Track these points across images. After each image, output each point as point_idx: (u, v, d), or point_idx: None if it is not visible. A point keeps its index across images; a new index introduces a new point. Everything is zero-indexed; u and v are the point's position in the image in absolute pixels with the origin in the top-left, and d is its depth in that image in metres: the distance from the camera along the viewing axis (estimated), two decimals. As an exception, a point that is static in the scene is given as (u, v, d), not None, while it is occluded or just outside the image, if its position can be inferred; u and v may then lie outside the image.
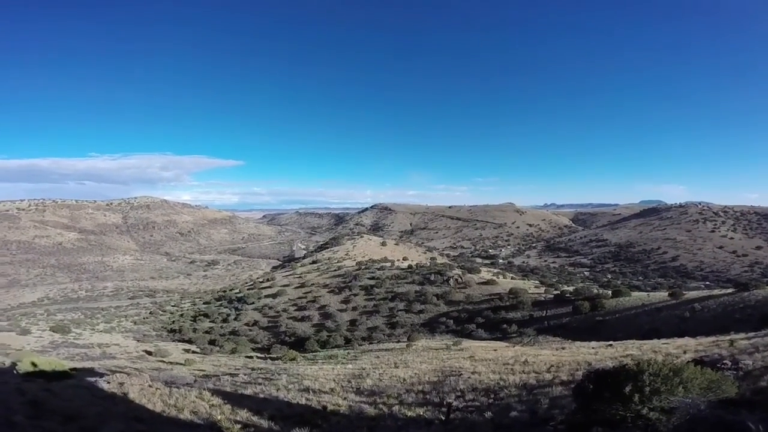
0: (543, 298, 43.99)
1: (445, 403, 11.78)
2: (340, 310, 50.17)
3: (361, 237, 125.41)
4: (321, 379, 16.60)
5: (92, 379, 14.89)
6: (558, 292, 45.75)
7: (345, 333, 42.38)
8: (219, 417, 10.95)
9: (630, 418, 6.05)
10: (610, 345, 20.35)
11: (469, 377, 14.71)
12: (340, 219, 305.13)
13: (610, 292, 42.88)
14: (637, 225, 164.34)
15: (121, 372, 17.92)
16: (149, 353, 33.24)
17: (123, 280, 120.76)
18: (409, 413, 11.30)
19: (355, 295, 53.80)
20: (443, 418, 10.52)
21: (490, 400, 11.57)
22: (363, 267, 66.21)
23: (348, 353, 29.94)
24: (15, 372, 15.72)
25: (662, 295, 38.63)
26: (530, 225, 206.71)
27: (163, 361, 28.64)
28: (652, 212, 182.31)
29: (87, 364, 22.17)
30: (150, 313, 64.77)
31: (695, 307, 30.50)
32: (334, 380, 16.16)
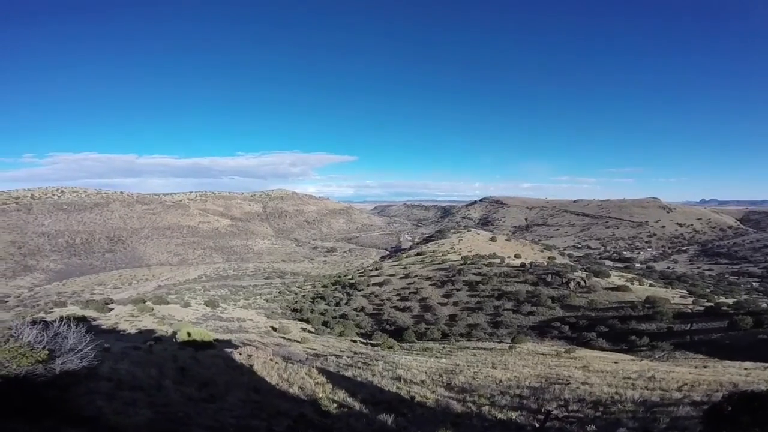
0: (689, 310, 36.85)
1: (543, 410, 10.88)
2: (441, 304, 49.93)
3: (468, 231, 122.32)
4: (413, 370, 16.86)
5: (228, 350, 17.82)
6: (711, 303, 37.85)
7: (443, 327, 42.05)
8: (320, 395, 12.02)
9: None
10: (769, 367, 16.37)
11: (577, 387, 13.33)
12: (446, 212, 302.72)
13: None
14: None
15: (250, 345, 21.04)
16: (274, 329, 38.04)
17: (261, 261, 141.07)
18: (500, 415, 10.74)
19: (458, 290, 52.86)
20: (537, 425, 9.74)
21: (597, 413, 10.34)
22: (468, 262, 64.60)
23: (443, 348, 29.72)
24: (174, 340, 19.79)
25: None
26: (680, 225, 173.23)
27: (284, 338, 32.51)
28: None
29: (227, 336, 26.51)
30: (279, 292, 74.24)
31: None
32: (425, 372, 16.25)
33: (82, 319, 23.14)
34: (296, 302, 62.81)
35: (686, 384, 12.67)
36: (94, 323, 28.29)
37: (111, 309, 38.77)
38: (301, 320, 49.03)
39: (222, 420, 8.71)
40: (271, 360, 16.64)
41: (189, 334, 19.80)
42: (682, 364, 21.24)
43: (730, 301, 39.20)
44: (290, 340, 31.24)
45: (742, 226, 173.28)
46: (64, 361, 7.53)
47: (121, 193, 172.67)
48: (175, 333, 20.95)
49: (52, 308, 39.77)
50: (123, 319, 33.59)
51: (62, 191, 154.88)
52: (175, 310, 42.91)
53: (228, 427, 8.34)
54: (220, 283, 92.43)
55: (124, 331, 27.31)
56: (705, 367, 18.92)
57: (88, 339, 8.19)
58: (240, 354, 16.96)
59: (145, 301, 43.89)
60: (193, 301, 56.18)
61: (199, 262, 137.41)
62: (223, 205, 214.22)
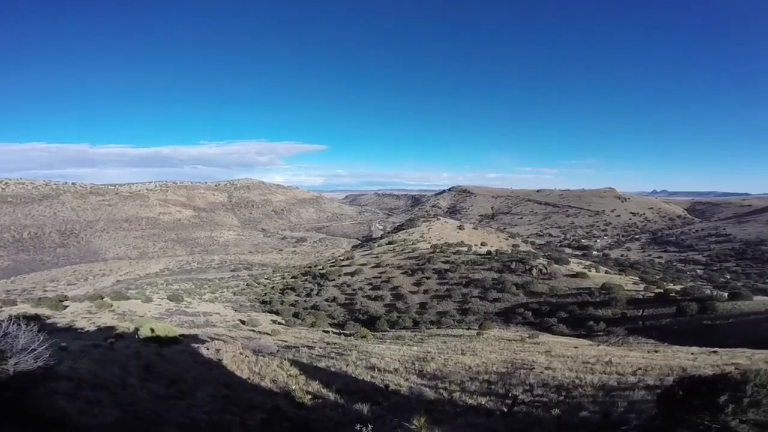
0: (641, 296, 39.42)
1: (510, 395, 11.38)
2: (412, 292, 50.79)
3: (437, 219, 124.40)
4: (387, 358, 17.11)
5: (195, 345, 17.30)
6: (660, 290, 40.54)
7: (414, 315, 42.88)
8: (294, 387, 11.96)
9: (715, 429, 5.58)
10: (714, 352, 18.21)
11: (541, 372, 14.00)
12: (416, 201, 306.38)
13: (726, 294, 37.09)
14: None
15: (218, 339, 20.55)
16: (243, 322, 37.32)
17: (227, 253, 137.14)
18: (470, 401, 11.14)
19: (428, 278, 53.90)
20: (506, 410, 10.18)
21: (561, 398, 10.92)
22: (437, 250, 65.85)
23: (415, 335, 30.34)
24: (137, 337, 18.97)
25: None
26: (634, 214, 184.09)
27: (254, 330, 31.97)
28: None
29: (193, 331, 25.73)
30: (247, 285, 72.71)
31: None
32: (398, 361, 16.54)
33: (34, 318, 21.74)
34: (265, 294, 61.80)
35: (640, 368, 13.55)
36: (48, 321, 26.66)
37: (66, 306, 36.55)
38: (271, 312, 48.36)
39: (193, 416, 8.52)
40: (240, 353, 16.34)
41: (152, 330, 19.04)
42: (636, 349, 22.73)
43: (678, 287, 42.08)
44: (260, 332, 30.77)
45: (689, 216, 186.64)
46: (17, 362, 7.24)
47: (73, 184, 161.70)
48: (137, 329, 20.07)
49: (1, 307, 36.97)
50: (80, 316, 31.79)
51: (6, 183, 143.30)
52: (136, 306, 41.10)
53: (200, 423, 8.18)
54: (183, 277, 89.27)
55: (81, 329, 25.89)
56: (656, 351, 20.26)
57: (41, 338, 7.93)
58: (208, 348, 16.54)
59: (103, 297, 41.73)
60: (155, 296, 53.99)
61: (160, 255, 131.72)
62: (185, 195, 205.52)
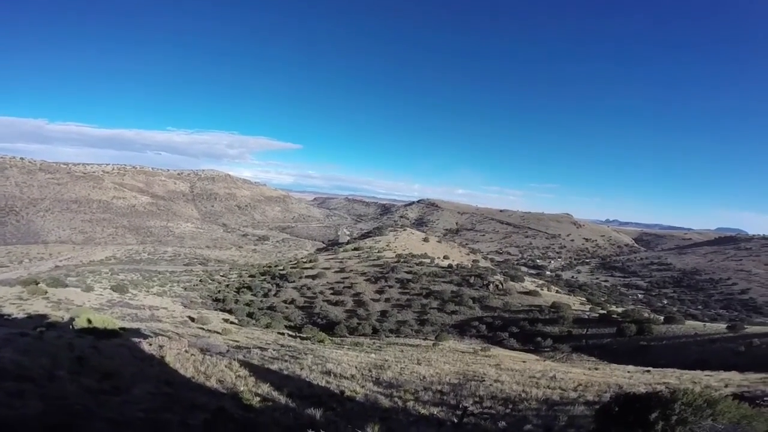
0: (586, 316, 41.57)
1: (460, 406, 11.54)
2: (374, 300, 50.71)
3: (404, 230, 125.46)
4: (344, 364, 16.89)
5: (136, 340, 16.29)
6: (604, 311, 42.97)
7: (374, 323, 42.81)
8: (242, 388, 11.48)
9: None
10: (648, 371, 19.31)
11: (491, 384, 14.31)
12: (386, 209, 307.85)
13: (662, 317, 40.11)
14: (708, 252, 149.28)
15: (163, 335, 19.43)
16: (192, 319, 35.66)
17: (182, 246, 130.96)
18: (423, 411, 11.18)
19: (390, 286, 54.08)
20: (456, 420, 10.31)
21: (508, 410, 11.20)
22: (402, 260, 66.30)
23: (374, 343, 30.25)
24: (71, 327, 17.63)
25: (720, 326, 36.22)
26: (587, 239, 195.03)
27: (203, 329, 30.61)
28: (728, 241, 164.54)
29: (135, 325, 24.25)
30: (200, 280, 69.63)
31: (753, 342, 28.04)
32: (356, 367, 16.38)
33: (-47, 299, 19.64)
34: (219, 292, 59.45)
35: (581, 384, 14.15)
36: (-31, 304, 24.17)
37: (-7, 289, 33.37)
38: (224, 311, 46.56)
39: (128, 413, 7.96)
40: (186, 351, 15.55)
41: (89, 321, 17.75)
42: (578, 366, 23.81)
43: (620, 310, 44.77)
44: (210, 331, 29.51)
45: (636, 245, 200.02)
46: None
47: (21, 159, 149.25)
48: (72, 319, 18.65)
49: None
50: (8, 302, 29.13)
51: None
52: (74, 294, 38.19)
53: (135, 420, 7.66)
54: (131, 267, 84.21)
55: (9, 315, 23.71)
56: (596, 369, 21.24)
57: None
58: (150, 344, 15.62)
59: (37, 283, 38.39)
60: (97, 285, 50.48)
61: (108, 242, 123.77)
62: (144, 180, 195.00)
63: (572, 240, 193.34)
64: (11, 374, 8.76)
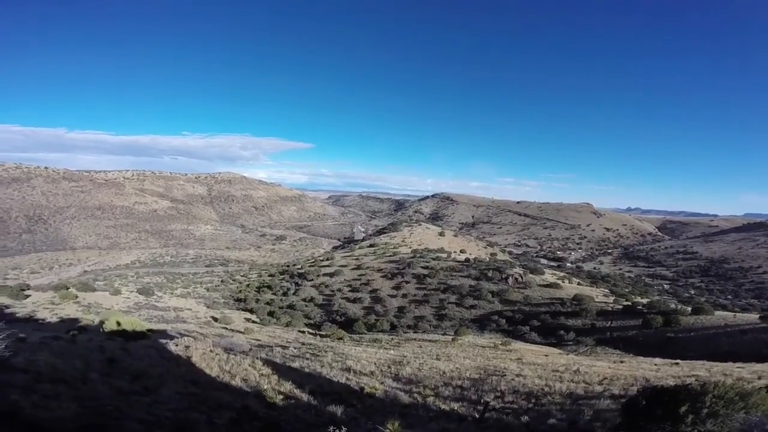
0: (610, 308, 40.69)
1: (482, 401, 11.48)
2: (391, 296, 50.83)
3: (419, 225, 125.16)
4: (363, 361, 17.01)
5: (163, 341, 16.77)
6: (628, 303, 41.97)
7: (392, 319, 42.95)
8: (265, 387, 11.70)
9: None
10: (676, 363, 18.87)
11: (512, 379, 14.19)
12: (399, 205, 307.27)
13: (689, 308, 38.87)
14: (736, 240, 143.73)
15: (188, 336, 19.97)
16: (215, 319, 36.44)
17: (203, 248, 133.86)
18: (443, 406, 11.18)
19: (407, 282, 54.07)
20: (477, 416, 10.26)
21: (530, 405, 11.09)
22: (418, 255, 66.17)
23: (392, 339, 30.33)
24: (102, 330, 18.26)
25: (752, 317, 35.01)
26: (608, 229, 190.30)
27: (226, 328, 31.26)
28: (758, 227, 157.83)
29: (162, 327, 24.93)
30: (221, 281, 71.07)
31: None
32: (375, 364, 16.47)
33: (-9, 305, 20.61)
34: (240, 291, 60.57)
35: (606, 378, 13.91)
36: (6, 311, 25.39)
37: (28, 296, 34.87)
38: (245, 310, 47.44)
39: (157, 413, 8.23)
40: (211, 351, 15.93)
41: (119, 324, 18.39)
42: (603, 359, 23.36)
43: (645, 301, 43.70)
44: (233, 330, 30.13)
45: (659, 234, 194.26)
46: None
47: (45, 168, 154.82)
48: (102, 322, 19.32)
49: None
50: (42, 307, 30.37)
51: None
52: (103, 298, 39.58)
53: (164, 420, 7.90)
54: (155, 270, 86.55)
55: (43, 320, 24.74)
56: (622, 362, 20.81)
57: None
58: (176, 345, 16.07)
59: (68, 288, 39.96)
60: (124, 288, 52.07)
61: (132, 246, 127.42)
62: (163, 185, 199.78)
63: (593, 230, 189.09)
64: (47, 377, 9.16)
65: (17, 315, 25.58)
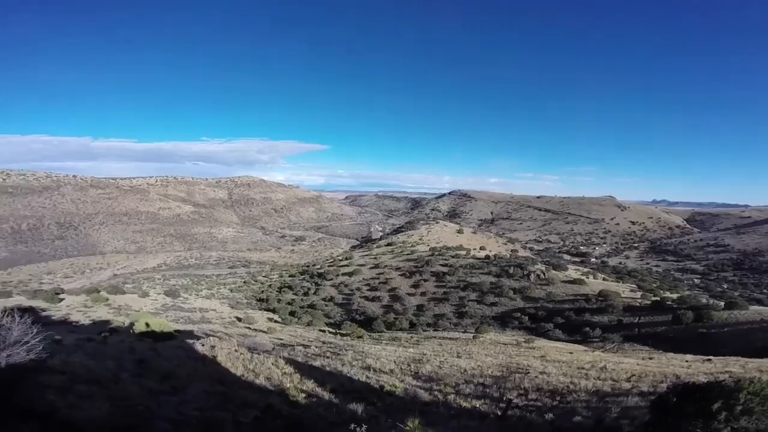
0: (638, 304, 39.50)
1: (504, 398, 11.33)
2: (409, 294, 50.78)
3: (437, 223, 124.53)
4: (383, 359, 17.06)
5: (190, 341, 17.24)
6: (657, 298, 40.62)
7: (411, 317, 42.92)
8: (288, 385, 11.89)
9: None
10: (708, 360, 18.22)
11: (536, 377, 13.97)
12: (416, 203, 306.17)
13: (722, 303, 37.32)
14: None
15: (214, 336, 20.46)
16: (239, 319, 37.24)
17: (225, 250, 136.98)
18: (464, 404, 11.10)
19: (426, 280, 53.91)
20: (499, 413, 10.13)
21: (555, 403, 10.90)
22: (436, 253, 65.88)
23: (411, 337, 30.31)
24: (132, 331, 18.93)
25: None
26: (633, 222, 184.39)
27: (249, 328, 31.91)
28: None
29: (188, 327, 25.68)
30: (244, 282, 72.58)
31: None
32: (394, 362, 16.50)
33: (29, 310, 21.64)
34: (262, 292, 61.73)
35: (634, 375, 13.55)
36: (42, 314, 26.57)
37: (62, 299, 36.50)
38: (268, 310, 48.30)
39: (185, 412, 8.47)
40: (235, 350, 16.28)
41: (147, 325, 19.02)
42: (631, 356, 22.73)
43: (674, 296, 42.20)
44: (256, 330, 30.71)
45: (688, 226, 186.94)
46: (10, 354, 7.17)
47: (74, 176, 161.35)
48: (132, 324, 20.04)
49: (-5, 298, 36.84)
50: (75, 309, 31.73)
51: (8, 174, 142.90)
52: (132, 300, 41.02)
53: (191, 419, 8.13)
54: (181, 273, 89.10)
55: (76, 322, 25.83)
56: (651, 358, 20.26)
57: (35, 330, 7.86)
58: (203, 345, 16.48)
59: (99, 291, 41.63)
60: (151, 290, 53.88)
61: (158, 250, 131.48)
62: (185, 190, 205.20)
63: (617, 224, 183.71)
64: (81, 377, 9.55)
65: (53, 318, 26.80)
